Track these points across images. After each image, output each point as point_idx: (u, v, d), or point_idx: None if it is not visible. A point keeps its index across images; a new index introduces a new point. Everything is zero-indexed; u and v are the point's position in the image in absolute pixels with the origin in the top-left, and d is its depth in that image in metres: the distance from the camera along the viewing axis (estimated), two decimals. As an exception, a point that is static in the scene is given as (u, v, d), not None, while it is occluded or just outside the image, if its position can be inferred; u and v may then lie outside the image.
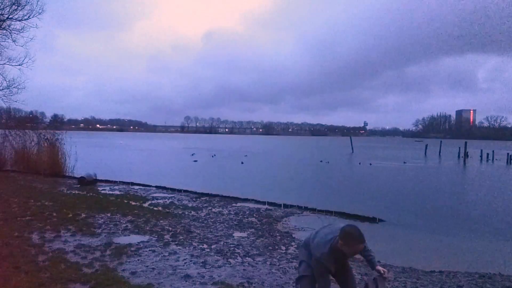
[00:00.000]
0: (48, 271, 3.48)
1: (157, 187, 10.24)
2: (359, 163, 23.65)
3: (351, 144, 40.79)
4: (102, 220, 5.92)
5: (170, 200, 8.16)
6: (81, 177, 10.37)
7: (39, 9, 12.44)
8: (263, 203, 8.26)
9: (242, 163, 22.86)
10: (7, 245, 4.33)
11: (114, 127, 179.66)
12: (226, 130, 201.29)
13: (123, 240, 4.81)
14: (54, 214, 6.16)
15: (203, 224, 5.94)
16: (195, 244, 4.76)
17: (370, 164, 23.15)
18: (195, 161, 23.54)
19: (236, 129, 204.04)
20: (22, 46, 12.82)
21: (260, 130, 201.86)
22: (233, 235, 5.36)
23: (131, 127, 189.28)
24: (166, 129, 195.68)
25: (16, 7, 12.29)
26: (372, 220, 7.03)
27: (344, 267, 2.46)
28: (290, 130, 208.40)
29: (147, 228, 5.47)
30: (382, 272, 2.28)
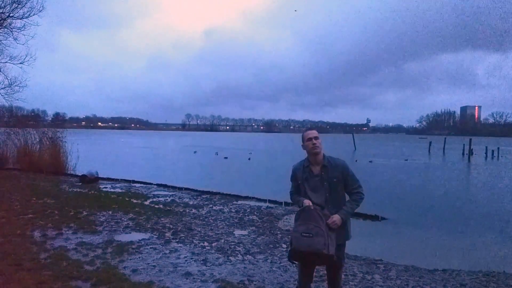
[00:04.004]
0: (50, 269, 3.49)
1: (158, 185, 10.25)
2: (356, 161, 23.59)
3: (354, 142, 40.61)
4: (104, 217, 5.92)
5: (171, 198, 8.16)
6: (83, 175, 10.39)
7: (40, 6, 12.42)
8: (264, 201, 8.24)
9: (249, 159, 23.01)
10: (9, 242, 4.34)
11: (116, 125, 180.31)
12: (227, 127, 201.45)
13: (124, 237, 4.81)
14: (56, 212, 6.18)
15: (204, 222, 5.94)
16: (196, 241, 4.75)
17: (370, 161, 23.05)
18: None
19: (237, 126, 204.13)
20: (23, 44, 12.81)
21: (261, 127, 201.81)
22: (233, 233, 5.35)
23: (132, 125, 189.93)
24: (167, 126, 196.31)
25: (16, 5, 12.28)
26: (375, 218, 7.00)
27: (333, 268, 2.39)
28: (291, 127, 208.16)
29: (148, 226, 5.48)
30: (329, 221, 2.17)
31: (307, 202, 2.26)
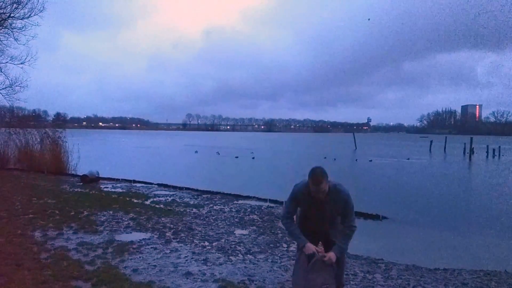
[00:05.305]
0: (51, 269, 3.49)
1: (159, 184, 10.25)
2: (356, 160, 23.58)
3: (354, 141, 40.57)
4: (104, 217, 5.93)
5: (171, 198, 8.16)
6: (84, 175, 10.39)
7: (40, 7, 12.44)
8: (265, 200, 8.23)
9: (253, 158, 23.04)
10: (10, 242, 4.35)
11: (117, 125, 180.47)
12: (228, 127, 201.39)
13: (125, 237, 4.82)
14: (57, 211, 6.18)
15: (205, 222, 5.93)
16: (196, 241, 4.75)
17: (370, 160, 23.02)
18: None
19: (238, 126, 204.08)
20: (24, 44, 12.84)
21: (262, 127, 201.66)
22: (234, 232, 5.35)
23: (133, 125, 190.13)
24: (168, 126, 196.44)
25: (17, 5, 12.29)
26: (375, 217, 6.98)
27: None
28: (292, 127, 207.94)
29: (149, 226, 5.48)
30: (325, 258, 2.23)
31: (311, 247, 2.25)
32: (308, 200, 2.31)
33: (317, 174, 2.24)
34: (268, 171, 16.83)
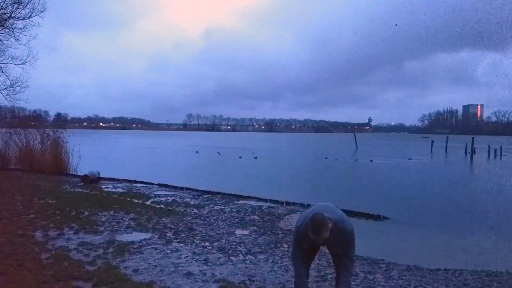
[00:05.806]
0: (51, 269, 3.50)
1: (159, 185, 10.26)
2: (357, 160, 23.53)
3: (355, 141, 40.53)
4: (105, 217, 5.94)
5: (172, 198, 8.17)
6: (85, 175, 10.41)
7: (41, 7, 12.47)
8: (266, 200, 8.23)
9: (255, 158, 23.01)
10: (11, 242, 4.36)
11: (117, 125, 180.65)
12: (228, 127, 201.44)
13: (125, 237, 4.82)
14: (58, 212, 6.20)
15: (205, 222, 5.93)
16: (197, 241, 4.75)
17: (371, 160, 22.97)
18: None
19: (239, 126, 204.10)
20: (24, 45, 12.87)
21: (263, 127, 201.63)
22: (235, 232, 5.35)
23: (134, 125, 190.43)
24: (168, 127, 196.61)
25: (17, 6, 12.33)
26: (377, 217, 6.96)
27: (339, 260, 2.51)
28: (293, 127, 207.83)
29: (150, 226, 5.48)
30: None
31: None
32: (310, 239, 2.29)
33: (317, 225, 2.15)
34: (269, 171, 16.82)
